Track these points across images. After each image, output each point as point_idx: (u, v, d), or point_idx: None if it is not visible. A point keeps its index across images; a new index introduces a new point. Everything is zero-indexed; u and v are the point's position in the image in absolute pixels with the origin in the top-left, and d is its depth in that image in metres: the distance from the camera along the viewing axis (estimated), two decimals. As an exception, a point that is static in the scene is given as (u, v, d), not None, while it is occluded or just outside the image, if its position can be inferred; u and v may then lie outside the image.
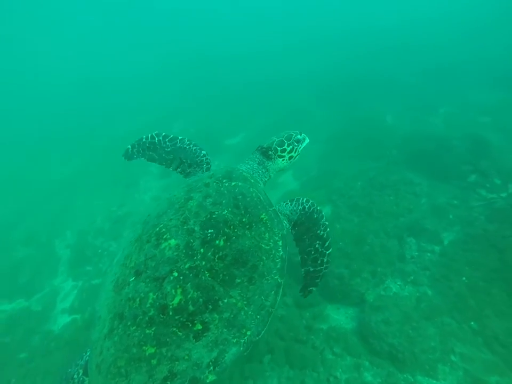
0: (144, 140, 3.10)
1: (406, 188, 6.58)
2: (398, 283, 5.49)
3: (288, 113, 13.28)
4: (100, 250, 8.29)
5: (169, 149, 3.04)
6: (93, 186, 11.72)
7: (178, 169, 3.06)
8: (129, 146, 3.13)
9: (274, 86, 17.26)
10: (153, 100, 19.81)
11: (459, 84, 13.96)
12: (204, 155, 2.99)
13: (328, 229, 2.70)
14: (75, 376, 2.32)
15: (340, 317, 5.33)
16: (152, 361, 1.71)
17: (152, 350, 1.73)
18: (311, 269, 2.62)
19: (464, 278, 5.10)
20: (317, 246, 2.63)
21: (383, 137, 9.57)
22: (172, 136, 3.09)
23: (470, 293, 4.90)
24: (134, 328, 1.78)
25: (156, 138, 3.06)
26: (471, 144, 8.26)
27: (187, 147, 2.99)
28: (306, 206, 2.69)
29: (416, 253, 5.93)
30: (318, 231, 2.66)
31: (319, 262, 2.63)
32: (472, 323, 4.65)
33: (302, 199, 2.72)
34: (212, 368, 1.75)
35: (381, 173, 6.97)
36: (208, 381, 1.74)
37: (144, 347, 1.74)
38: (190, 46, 30.42)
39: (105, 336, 1.86)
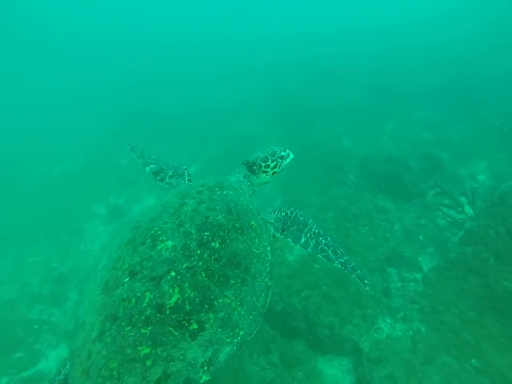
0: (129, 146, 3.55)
1: (379, 215, 6.42)
2: (388, 321, 5.15)
3: (241, 140, 12.88)
4: (36, 326, 6.55)
5: (154, 157, 3.47)
6: (26, 239, 9.96)
7: (159, 177, 3.18)
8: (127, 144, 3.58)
9: (222, 113, 17.00)
10: (89, 133, 18.28)
11: (398, 101, 14.91)
12: (185, 169, 3.19)
13: (319, 226, 2.74)
14: None
15: (335, 371, 4.78)
16: (147, 361, 1.67)
17: (147, 350, 1.69)
18: (342, 260, 2.57)
19: (455, 310, 4.87)
20: (324, 242, 2.65)
21: (343, 161, 9.55)
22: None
23: (464, 326, 4.68)
24: (129, 328, 1.73)
25: (146, 154, 3.48)
26: (426, 163, 8.55)
27: (169, 162, 3.34)
28: (288, 212, 2.74)
29: (400, 284, 5.70)
30: (313, 229, 2.68)
31: (339, 253, 2.60)
32: (473, 361, 4.39)
33: (284, 207, 2.80)
34: (206, 368, 1.73)
35: (351, 202, 6.75)
36: (202, 381, 1.72)
37: (139, 347, 1.69)
38: (121, 74, 29.20)
39: (94, 339, 1.77)
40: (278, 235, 2.67)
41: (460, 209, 6.47)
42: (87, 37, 44.24)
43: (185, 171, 3.20)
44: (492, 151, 9.73)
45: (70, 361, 1.86)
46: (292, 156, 3.14)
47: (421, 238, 6.76)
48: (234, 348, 1.85)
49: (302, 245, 2.62)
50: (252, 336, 1.94)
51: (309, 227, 2.69)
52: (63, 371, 2.21)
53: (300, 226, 2.69)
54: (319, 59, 21.89)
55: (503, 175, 8.44)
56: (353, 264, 2.54)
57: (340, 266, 2.51)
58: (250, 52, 30.15)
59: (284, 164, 3.08)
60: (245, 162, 3.04)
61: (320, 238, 2.65)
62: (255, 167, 2.99)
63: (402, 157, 8.55)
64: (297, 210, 2.76)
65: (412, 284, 5.63)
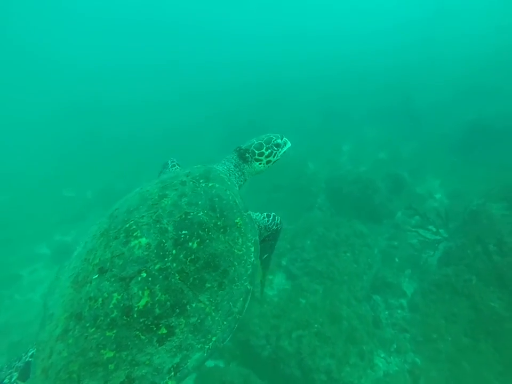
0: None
1: (359, 240, 6.27)
2: (382, 355, 4.86)
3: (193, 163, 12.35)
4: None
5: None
6: None
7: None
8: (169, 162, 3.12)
9: (174, 135, 16.44)
10: (25, 160, 16.40)
11: (350, 122, 15.67)
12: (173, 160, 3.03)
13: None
14: (6, 380, 2.02)
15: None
16: (109, 365, 1.60)
17: (111, 354, 1.62)
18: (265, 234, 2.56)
19: (447, 337, 4.75)
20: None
21: (310, 184, 9.49)
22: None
23: (460, 354, 4.54)
24: (93, 330, 1.65)
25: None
26: (392, 183, 8.80)
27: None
28: (279, 228, 2.60)
29: (387, 312, 5.50)
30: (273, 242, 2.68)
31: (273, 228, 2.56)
32: (473, 390, 4.23)
33: (277, 219, 2.58)
34: (172, 374, 1.66)
35: (328, 228, 6.54)
36: None
37: (102, 350, 1.62)
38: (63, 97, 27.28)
39: (57, 337, 1.71)
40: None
41: (433, 229, 6.57)
42: (27, 55, 41.12)
43: (169, 162, 3.05)
44: (442, 169, 10.44)
45: (35, 355, 1.79)
46: (289, 145, 2.92)
47: (397, 260, 6.75)
48: (205, 354, 1.77)
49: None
50: (224, 342, 1.85)
51: (273, 240, 2.66)
52: (24, 358, 2.11)
53: (273, 242, 2.66)
54: (272, 83, 22.44)
55: (457, 193, 9.02)
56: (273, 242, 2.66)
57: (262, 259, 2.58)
58: (208, 75, 30.09)
59: (280, 152, 2.84)
60: (237, 149, 2.79)
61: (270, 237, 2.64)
62: (247, 155, 2.75)
63: (369, 178, 8.70)
64: (282, 224, 2.64)
65: (398, 310, 5.47)
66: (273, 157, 2.81)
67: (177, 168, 2.98)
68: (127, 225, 1.92)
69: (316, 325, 4.72)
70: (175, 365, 1.69)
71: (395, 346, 4.92)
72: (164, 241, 1.85)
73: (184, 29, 49.65)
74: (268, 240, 2.60)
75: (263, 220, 2.55)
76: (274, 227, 2.55)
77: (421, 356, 4.77)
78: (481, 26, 24.08)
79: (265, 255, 2.66)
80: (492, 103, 12.56)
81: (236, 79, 26.32)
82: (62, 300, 1.85)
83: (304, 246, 6.44)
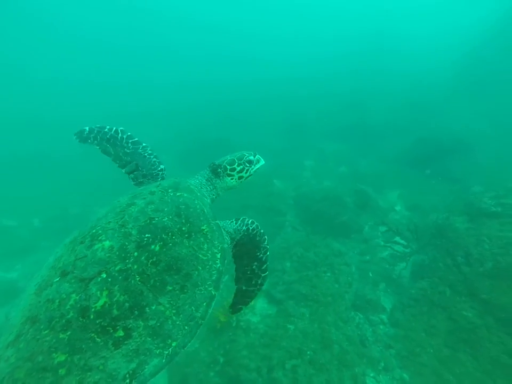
0: (107, 130, 2.86)
1: (338, 259, 6.38)
2: (372, 375, 4.91)
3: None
4: None
5: (129, 151, 2.89)
6: None
7: (131, 175, 2.86)
8: (87, 128, 2.85)
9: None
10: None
11: (310, 138, 16.25)
12: (162, 170, 2.87)
13: (268, 253, 2.60)
14: None
15: None
16: (60, 370, 1.52)
17: (63, 358, 1.55)
18: (244, 288, 2.52)
19: (429, 349, 4.96)
20: (254, 267, 2.54)
21: (279, 203, 9.55)
22: (136, 139, 2.90)
23: (442, 366, 4.76)
24: (46, 332, 1.60)
25: (120, 135, 2.86)
26: (358, 198, 9.19)
27: (147, 156, 2.89)
28: (251, 228, 2.55)
29: (370, 329, 5.62)
30: (258, 253, 2.57)
31: (253, 282, 2.54)
32: (459, 401, 4.44)
33: (248, 220, 2.59)
34: (128, 381, 1.59)
35: (307, 248, 6.59)
36: None
37: (54, 354, 1.55)
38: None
39: (8, 344, 1.64)
40: (232, 248, 2.57)
41: (403, 242, 6.93)
42: None
43: (160, 172, 2.92)
44: (398, 182, 11.20)
45: None
46: (262, 162, 2.98)
47: (371, 275, 6.99)
48: (164, 360, 1.71)
49: (236, 259, 2.57)
50: (185, 348, 1.81)
51: (257, 249, 2.58)
52: None
53: (251, 246, 2.58)
54: (234, 102, 22.57)
55: (414, 205, 9.72)
56: (249, 299, 2.56)
57: (234, 289, 2.54)
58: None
59: (252, 169, 2.90)
60: (211, 164, 2.86)
61: (255, 263, 2.56)
62: (219, 170, 2.81)
63: (336, 195, 9.00)
64: (258, 228, 2.60)
65: (381, 326, 5.62)
66: (245, 173, 2.86)
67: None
68: (94, 231, 1.95)
69: (308, 352, 4.66)
70: (131, 371, 1.63)
71: (383, 364, 5.02)
72: (126, 243, 1.86)
73: (148, 48, 48.68)
74: (243, 244, 2.57)
75: (231, 223, 2.60)
76: (244, 227, 2.55)
77: (407, 371, 4.91)
78: (425, 49, 26.76)
79: (254, 275, 2.58)
80: (438, 120, 13.86)
81: (197, 98, 26.08)
82: (22, 307, 1.82)
83: (284, 268, 6.39)
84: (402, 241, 7.13)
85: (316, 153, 14.83)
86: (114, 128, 2.89)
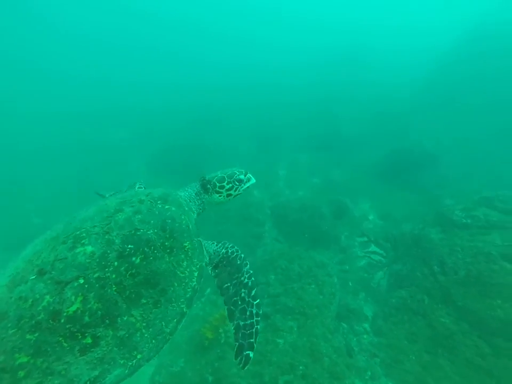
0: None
1: (321, 271, 6.50)
2: (359, 384, 5.05)
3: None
4: None
5: None
6: None
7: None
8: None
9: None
10: None
11: (284, 147, 16.49)
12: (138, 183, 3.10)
13: (253, 278, 2.48)
14: None
15: None
16: (19, 372, 1.53)
17: (25, 359, 1.55)
18: (241, 323, 2.31)
19: (412, 356, 5.20)
20: (242, 295, 2.41)
21: (258, 213, 9.58)
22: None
23: (425, 371, 4.99)
24: (13, 331, 1.59)
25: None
26: (335, 209, 9.46)
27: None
28: (230, 251, 2.58)
29: (355, 339, 5.77)
30: (242, 278, 2.47)
31: (248, 313, 2.34)
32: (441, 405, 4.68)
33: (228, 244, 2.63)
34: None
35: (290, 260, 6.64)
36: None
37: (17, 354, 1.55)
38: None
39: None
40: (209, 270, 2.54)
41: (382, 252, 7.23)
42: None
43: (137, 183, 3.09)
44: (369, 192, 11.69)
45: None
46: (253, 181, 3.02)
47: (350, 284, 7.22)
48: (126, 371, 1.75)
49: (222, 290, 2.46)
50: (149, 362, 1.86)
51: (240, 274, 2.50)
52: None
53: (232, 270, 2.52)
54: (204, 108, 22.32)
55: (386, 214, 10.19)
56: (252, 339, 2.22)
57: (232, 328, 2.30)
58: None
59: (241, 188, 2.95)
60: (201, 178, 2.90)
61: (242, 290, 2.41)
62: (209, 186, 2.86)
63: (314, 205, 9.21)
64: (239, 252, 2.60)
65: (365, 336, 5.80)
66: (234, 191, 2.91)
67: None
68: (78, 232, 1.94)
69: (300, 367, 4.68)
70: (92, 379, 1.64)
71: (369, 373, 5.16)
72: (108, 252, 1.87)
73: (129, 47, 47.27)
74: (223, 266, 2.54)
75: (211, 245, 2.64)
76: (223, 250, 2.58)
77: (392, 379, 5.09)
78: (396, 63, 28.26)
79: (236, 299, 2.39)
80: (406, 132, 14.70)
81: (172, 100, 25.55)
82: None
83: (269, 281, 6.40)
84: (379, 251, 7.45)
85: (288, 162, 15.09)
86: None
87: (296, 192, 12.46)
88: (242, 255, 2.60)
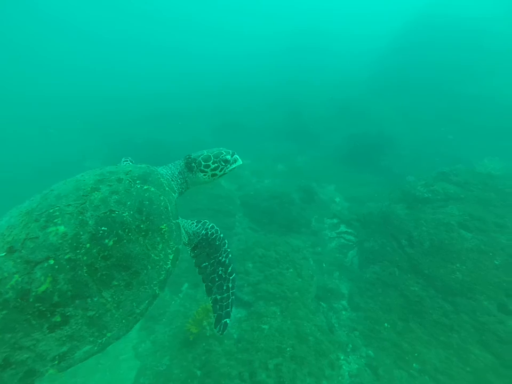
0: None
1: (297, 254, 6.66)
2: (342, 357, 5.31)
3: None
4: None
5: None
6: None
7: None
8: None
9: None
10: None
11: (247, 135, 16.42)
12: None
13: (230, 255, 2.60)
14: None
15: None
16: None
17: None
18: (218, 297, 2.46)
19: (387, 325, 5.56)
20: (220, 272, 2.53)
21: (228, 204, 9.53)
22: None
23: (399, 336, 5.38)
24: None
25: None
26: (304, 194, 9.68)
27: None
28: (209, 232, 2.59)
29: (335, 316, 6.03)
30: (220, 258, 2.56)
31: (224, 288, 2.49)
32: (414, 365, 5.08)
33: (208, 224, 2.63)
34: (56, 362, 1.69)
35: (267, 248, 6.71)
36: (47, 375, 1.68)
37: None
38: None
39: None
40: (189, 250, 2.60)
41: (353, 232, 7.55)
42: None
43: (123, 158, 3.09)
44: (333, 176, 12.12)
45: None
46: (240, 162, 2.95)
47: (324, 266, 7.49)
48: (95, 348, 1.80)
49: (200, 269, 2.53)
50: (118, 340, 1.90)
51: (218, 254, 2.56)
52: None
53: (211, 251, 2.57)
54: (162, 96, 21.45)
55: (351, 196, 10.65)
56: (228, 309, 2.42)
57: (210, 303, 2.44)
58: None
59: (227, 168, 2.87)
60: (187, 156, 2.84)
61: (220, 268, 2.52)
62: (193, 164, 2.78)
63: (284, 192, 9.35)
64: (218, 233, 2.62)
65: (343, 312, 6.08)
66: (219, 171, 2.84)
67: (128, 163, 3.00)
68: (51, 210, 1.91)
69: (288, 349, 4.80)
70: (61, 354, 1.70)
71: (350, 346, 5.45)
72: (81, 233, 1.85)
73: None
74: (202, 247, 2.58)
75: (191, 225, 2.63)
76: (203, 231, 2.58)
77: (371, 347, 5.42)
78: (352, 49, 28.98)
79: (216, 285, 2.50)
80: (363, 116, 15.27)
81: (124, 90, 24.13)
82: None
83: (247, 270, 6.43)
84: (350, 230, 7.79)
85: (252, 151, 15.10)
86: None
87: (263, 180, 12.56)
88: (222, 235, 2.62)
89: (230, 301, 2.45)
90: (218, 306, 2.43)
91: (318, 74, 21.95)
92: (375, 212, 7.29)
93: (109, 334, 1.86)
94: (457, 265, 5.45)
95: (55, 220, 1.86)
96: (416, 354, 5.16)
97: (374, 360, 5.21)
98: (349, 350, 5.43)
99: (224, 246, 2.60)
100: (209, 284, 2.50)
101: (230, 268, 2.53)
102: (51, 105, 21.27)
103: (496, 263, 5.32)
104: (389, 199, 7.18)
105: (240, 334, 5.21)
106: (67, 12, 44.48)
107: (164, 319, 6.17)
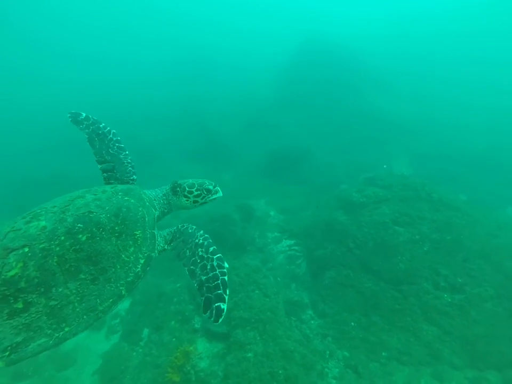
0: (101, 126, 3.06)
1: (258, 274, 6.62)
2: (323, 365, 5.51)
3: None
4: None
5: (112, 152, 3.03)
6: None
7: (105, 174, 2.98)
8: (83, 114, 3.06)
9: None
10: None
11: (163, 159, 15.61)
12: (133, 180, 3.02)
13: (209, 240, 2.54)
14: None
15: None
16: None
17: None
18: (203, 278, 2.30)
19: (353, 324, 6.04)
20: (200, 253, 2.45)
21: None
22: (122, 145, 3.07)
23: (365, 332, 5.91)
24: None
25: (110, 136, 3.04)
26: (243, 213, 9.75)
27: (126, 163, 3.03)
28: (180, 225, 2.74)
29: (305, 326, 6.23)
30: (197, 241, 2.54)
31: (209, 267, 2.35)
32: (383, 353, 5.65)
33: (179, 224, 2.77)
34: (7, 353, 1.66)
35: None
36: None
37: None
38: None
39: None
40: (166, 246, 2.65)
41: (298, 242, 7.95)
42: None
43: (131, 181, 3.03)
44: (261, 191, 12.54)
45: None
46: (220, 194, 3.14)
47: (279, 280, 7.68)
48: (51, 342, 1.81)
49: (179, 256, 2.49)
50: (75, 336, 1.91)
51: (194, 237, 2.55)
52: None
53: (186, 238, 2.61)
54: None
55: (283, 208, 11.18)
56: (219, 291, 2.20)
57: (195, 286, 2.29)
58: None
59: (208, 197, 3.05)
60: (173, 182, 3.01)
61: (199, 249, 2.44)
62: (178, 189, 2.95)
63: (225, 214, 9.26)
64: (190, 225, 2.73)
65: (312, 321, 6.34)
66: (201, 199, 3.01)
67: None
68: (38, 211, 2.06)
69: (280, 371, 4.75)
70: (14, 344, 1.69)
71: (328, 352, 5.71)
72: (58, 227, 1.96)
73: None
74: (176, 238, 2.63)
75: (166, 231, 2.73)
76: (175, 228, 2.71)
77: (345, 348, 5.79)
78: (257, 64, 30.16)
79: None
80: (274, 131, 16.17)
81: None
82: None
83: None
84: (294, 241, 8.20)
85: (174, 176, 14.41)
86: (108, 128, 3.04)
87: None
88: (194, 226, 2.70)
89: (219, 281, 2.25)
90: (205, 288, 2.22)
91: (217, 88, 22.49)
92: (319, 220, 7.89)
93: (67, 329, 1.85)
94: (399, 257, 6.33)
95: (39, 217, 1.99)
96: (382, 344, 5.74)
97: (351, 360, 5.57)
98: (327, 356, 5.67)
99: (199, 232, 2.62)
100: (192, 267, 2.39)
101: (211, 248, 2.44)
102: None
103: (425, 249, 6.39)
104: (328, 207, 7.88)
105: (227, 370, 4.92)
106: None
107: (127, 376, 5.36)
